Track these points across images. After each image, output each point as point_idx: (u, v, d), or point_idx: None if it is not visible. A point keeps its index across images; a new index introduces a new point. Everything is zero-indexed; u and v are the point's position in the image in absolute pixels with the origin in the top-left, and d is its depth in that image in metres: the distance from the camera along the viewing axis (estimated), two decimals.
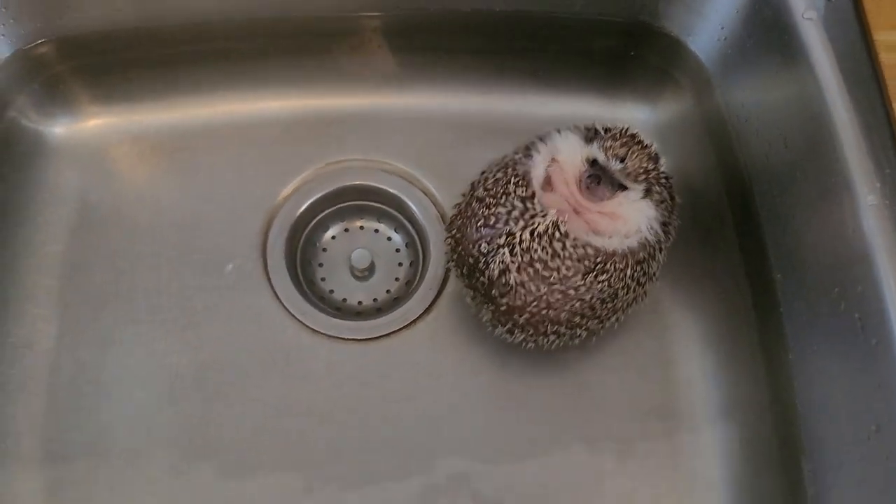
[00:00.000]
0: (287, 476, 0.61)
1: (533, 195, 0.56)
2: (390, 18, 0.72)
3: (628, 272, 0.57)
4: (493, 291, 0.57)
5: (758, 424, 0.63)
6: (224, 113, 0.73)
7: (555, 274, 0.56)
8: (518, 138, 0.61)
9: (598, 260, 0.56)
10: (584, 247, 0.56)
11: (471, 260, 0.58)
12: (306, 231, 0.70)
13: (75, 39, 0.70)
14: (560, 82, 0.74)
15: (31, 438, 0.62)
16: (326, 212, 0.71)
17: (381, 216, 0.72)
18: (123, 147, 0.72)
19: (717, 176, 0.69)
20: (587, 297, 0.57)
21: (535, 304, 0.57)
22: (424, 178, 0.71)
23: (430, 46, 0.74)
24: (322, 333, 0.66)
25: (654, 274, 0.60)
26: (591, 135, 0.58)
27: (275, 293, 0.67)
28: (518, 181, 0.57)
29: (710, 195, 0.69)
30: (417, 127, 0.73)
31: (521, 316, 0.57)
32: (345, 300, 0.69)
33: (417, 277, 0.69)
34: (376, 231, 0.72)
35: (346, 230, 0.71)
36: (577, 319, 0.58)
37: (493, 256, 0.56)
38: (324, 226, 0.71)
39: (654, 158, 0.57)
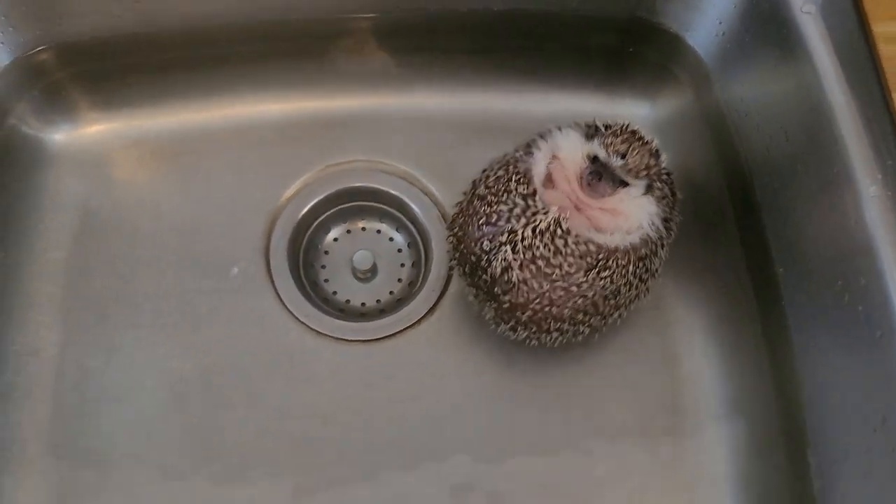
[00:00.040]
0: (292, 478, 0.61)
1: (534, 192, 0.56)
2: (388, 19, 0.72)
3: (630, 268, 0.57)
4: (496, 289, 0.57)
5: (763, 418, 0.63)
6: (224, 116, 0.73)
7: (557, 271, 0.56)
8: (518, 137, 0.61)
9: (601, 256, 0.56)
10: (585, 243, 0.56)
11: (473, 258, 0.58)
12: (308, 233, 0.70)
13: (74, 46, 0.70)
14: (559, 80, 0.74)
15: (36, 444, 0.62)
16: (328, 213, 0.71)
17: (382, 217, 0.72)
18: (124, 152, 0.72)
19: (718, 171, 0.69)
20: (590, 294, 0.57)
21: (537, 301, 0.57)
22: (425, 178, 0.71)
23: (429, 46, 0.74)
24: (326, 335, 0.66)
25: (657, 270, 0.60)
26: (591, 131, 0.58)
27: (278, 296, 0.67)
28: (519, 179, 0.57)
29: (710, 190, 0.69)
30: (417, 127, 0.73)
31: (523, 313, 0.57)
32: (348, 301, 0.69)
33: (420, 278, 0.69)
34: (378, 232, 0.72)
35: (349, 231, 0.72)
36: (580, 316, 0.58)
37: (495, 254, 0.56)
38: (326, 227, 0.71)
39: (655, 154, 0.57)
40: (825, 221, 0.58)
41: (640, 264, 0.58)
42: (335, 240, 0.71)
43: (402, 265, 0.70)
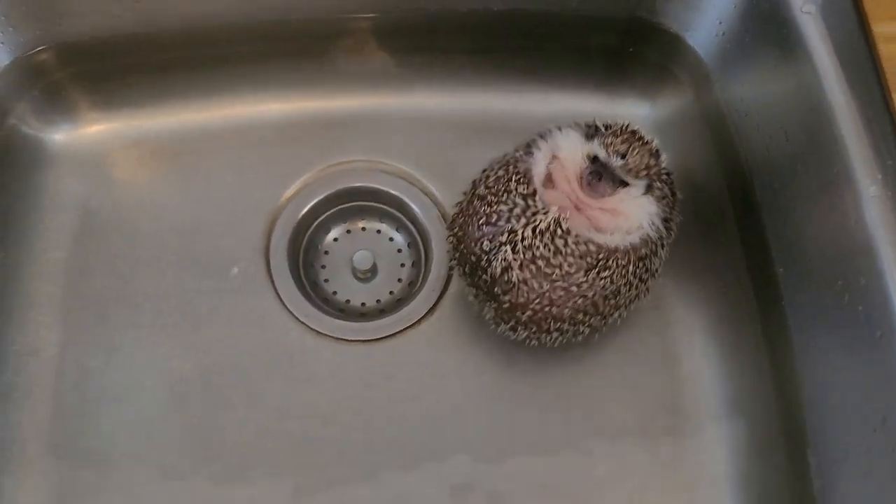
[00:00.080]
0: (292, 478, 0.61)
1: (534, 192, 0.56)
2: (388, 19, 0.72)
3: (630, 268, 0.57)
4: (496, 289, 0.57)
5: (763, 418, 0.63)
6: (224, 116, 0.73)
7: (557, 271, 0.56)
8: (518, 137, 0.61)
9: (601, 256, 0.56)
10: (585, 243, 0.56)
11: (473, 258, 0.58)
12: (308, 233, 0.70)
13: (74, 46, 0.70)
14: (559, 80, 0.74)
15: (36, 444, 0.62)
16: (328, 213, 0.71)
17: (382, 217, 0.72)
18: (124, 152, 0.72)
19: (718, 171, 0.69)
20: (590, 294, 0.57)
21: (537, 301, 0.57)
22: (425, 178, 0.71)
23: (429, 46, 0.74)
24: (326, 335, 0.66)
25: (657, 270, 0.60)
26: (591, 131, 0.58)
27: (278, 296, 0.67)
28: (519, 178, 0.57)
29: (710, 190, 0.69)
30: (417, 127, 0.73)
31: (523, 313, 0.57)
32: (348, 301, 0.69)
33: (420, 278, 0.69)
34: (378, 232, 0.72)
35: (348, 231, 0.72)
36: (580, 316, 0.58)
37: (495, 254, 0.56)
38: (326, 227, 0.71)
39: (655, 154, 0.57)
40: (825, 221, 0.58)
41: (640, 264, 0.58)
42: (335, 240, 0.71)
43: (402, 265, 0.70)
